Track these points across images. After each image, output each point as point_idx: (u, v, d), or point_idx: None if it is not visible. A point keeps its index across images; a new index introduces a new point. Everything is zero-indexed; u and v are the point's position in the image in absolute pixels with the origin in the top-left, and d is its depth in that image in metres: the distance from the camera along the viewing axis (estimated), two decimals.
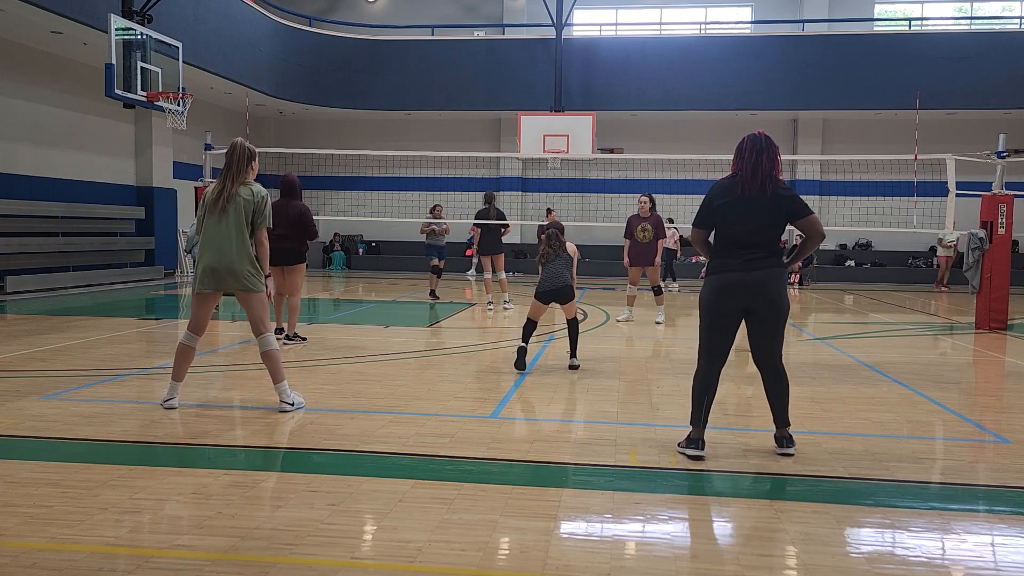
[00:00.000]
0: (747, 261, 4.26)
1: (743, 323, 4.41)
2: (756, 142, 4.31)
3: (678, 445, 4.45)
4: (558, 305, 7.19)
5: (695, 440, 4.34)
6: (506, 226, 11.84)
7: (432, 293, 13.28)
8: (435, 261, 13.37)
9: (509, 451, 4.45)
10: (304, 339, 8.39)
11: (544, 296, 7.05)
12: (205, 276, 5.14)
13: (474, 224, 11.96)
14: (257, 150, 5.36)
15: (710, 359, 4.40)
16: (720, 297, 4.32)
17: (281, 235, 7.80)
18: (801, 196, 4.45)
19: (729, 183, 4.34)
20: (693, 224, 4.49)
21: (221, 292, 5.24)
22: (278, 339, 8.39)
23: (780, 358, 4.45)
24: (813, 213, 4.36)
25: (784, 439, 4.44)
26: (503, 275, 11.89)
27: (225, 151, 5.26)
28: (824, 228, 4.41)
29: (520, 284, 16.19)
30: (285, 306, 8.31)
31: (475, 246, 12.12)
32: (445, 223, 13.65)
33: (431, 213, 13.88)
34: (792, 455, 4.39)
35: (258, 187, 5.22)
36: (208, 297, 5.24)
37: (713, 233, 4.45)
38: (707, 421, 4.39)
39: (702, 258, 23.06)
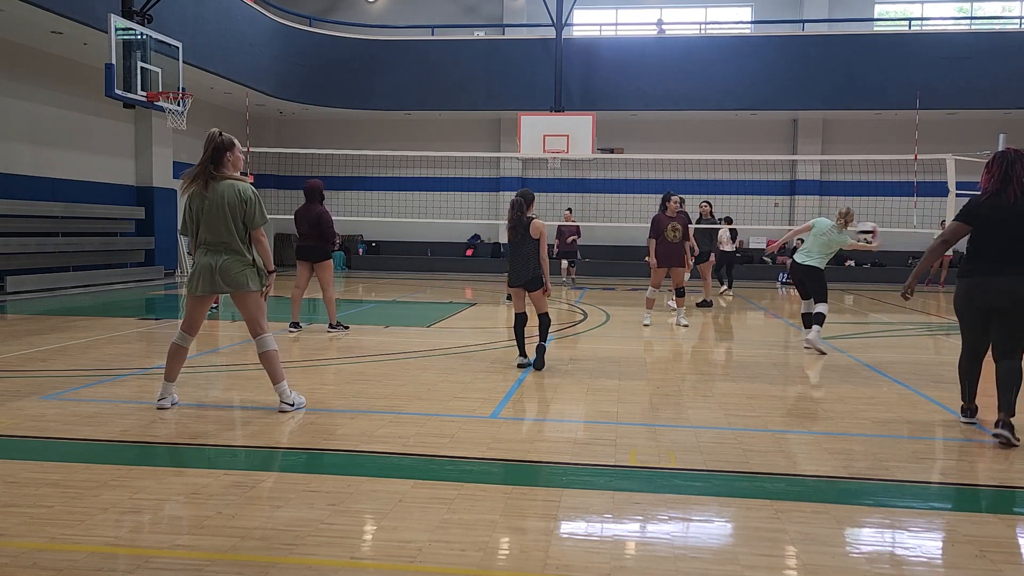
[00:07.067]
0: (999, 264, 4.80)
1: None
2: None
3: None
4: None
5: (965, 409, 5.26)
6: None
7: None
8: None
9: (509, 451, 4.45)
10: (347, 327, 9.15)
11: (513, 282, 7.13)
12: (199, 278, 5.11)
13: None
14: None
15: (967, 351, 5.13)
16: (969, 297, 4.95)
17: (306, 235, 8.89)
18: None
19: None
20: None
21: (216, 294, 5.23)
22: (291, 332, 8.69)
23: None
24: None
25: (1001, 422, 4.74)
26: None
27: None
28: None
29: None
30: (324, 301, 9.15)
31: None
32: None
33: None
34: (1006, 440, 4.66)
35: (244, 186, 5.13)
36: (203, 298, 5.23)
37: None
38: (974, 395, 5.19)
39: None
